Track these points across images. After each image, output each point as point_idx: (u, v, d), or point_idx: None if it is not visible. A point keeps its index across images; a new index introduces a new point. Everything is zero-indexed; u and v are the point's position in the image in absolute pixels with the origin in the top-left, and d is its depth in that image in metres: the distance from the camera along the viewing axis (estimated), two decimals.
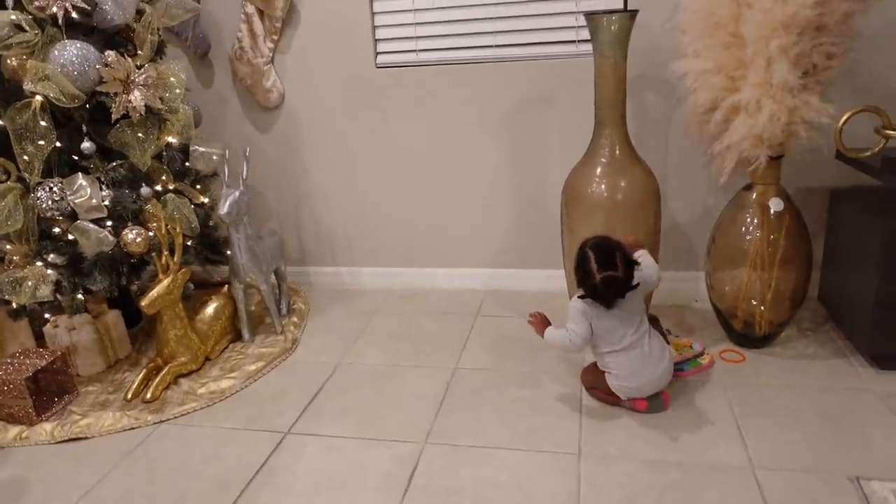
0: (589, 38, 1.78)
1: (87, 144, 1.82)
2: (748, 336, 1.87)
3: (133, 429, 1.71)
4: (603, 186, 1.81)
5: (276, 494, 1.42)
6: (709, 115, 1.74)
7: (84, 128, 1.83)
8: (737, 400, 1.63)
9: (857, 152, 1.72)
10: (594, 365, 1.68)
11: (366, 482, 1.44)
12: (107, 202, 1.82)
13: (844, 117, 1.65)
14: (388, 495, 1.38)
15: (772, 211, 1.76)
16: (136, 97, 1.82)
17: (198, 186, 2.17)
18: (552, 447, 1.51)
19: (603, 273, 1.51)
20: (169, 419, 1.74)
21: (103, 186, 1.84)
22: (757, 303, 1.81)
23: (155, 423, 1.73)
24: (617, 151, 1.81)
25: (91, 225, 1.80)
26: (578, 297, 1.59)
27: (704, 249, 1.95)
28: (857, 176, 1.86)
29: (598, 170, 1.82)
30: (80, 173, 1.80)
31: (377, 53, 2.28)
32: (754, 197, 1.79)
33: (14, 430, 1.70)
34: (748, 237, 1.78)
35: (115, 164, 1.88)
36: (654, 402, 1.61)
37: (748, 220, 1.79)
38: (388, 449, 1.54)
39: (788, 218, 1.76)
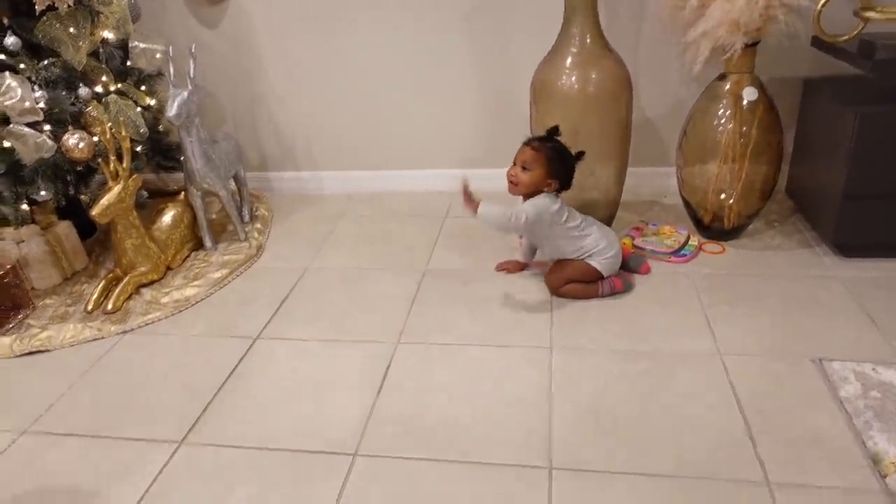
0: None
1: (11, 39, 1.65)
2: (717, 229, 1.88)
3: (96, 340, 1.66)
4: (573, 78, 1.73)
5: (249, 398, 1.41)
6: (684, 0, 1.65)
7: (5, 21, 1.65)
8: (705, 291, 1.65)
9: (834, 37, 1.67)
10: (557, 265, 1.68)
11: (339, 383, 1.43)
12: (41, 104, 1.68)
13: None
14: (363, 394, 1.38)
15: (745, 101, 1.71)
16: None
17: (142, 87, 2.03)
18: (524, 342, 1.51)
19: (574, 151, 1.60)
20: (133, 329, 1.70)
21: (36, 87, 1.69)
22: (726, 196, 1.81)
23: (119, 334, 1.68)
24: (588, 40, 1.72)
25: (27, 129, 1.66)
26: (541, 195, 1.59)
27: (675, 144, 1.91)
28: (832, 65, 1.81)
29: (568, 61, 1.73)
30: (7, 72, 1.64)
31: None
32: (728, 87, 1.74)
33: None
34: (720, 129, 1.75)
35: (46, 62, 1.72)
36: (626, 281, 1.68)
37: (721, 111, 1.75)
38: (360, 350, 1.54)
39: (761, 109, 1.72)
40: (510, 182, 1.60)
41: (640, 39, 2.05)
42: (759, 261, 1.77)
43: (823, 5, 1.61)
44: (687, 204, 1.93)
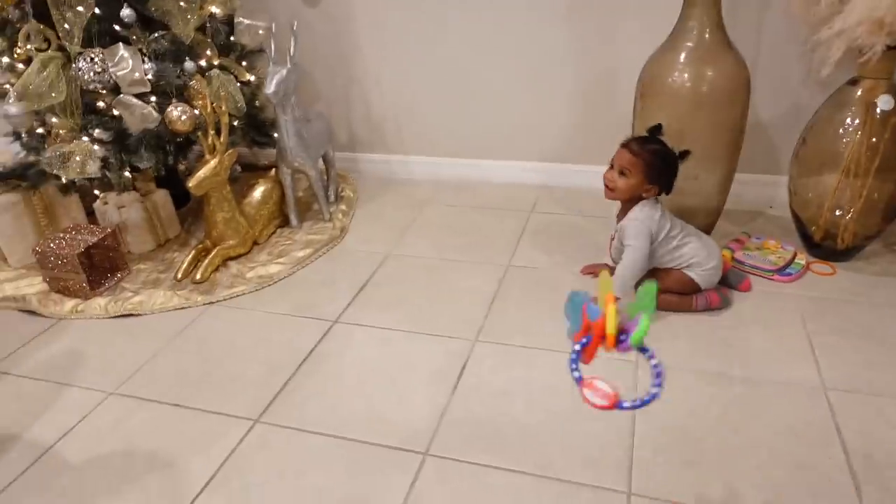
0: None
1: (127, 12, 1.70)
2: (828, 248, 1.72)
3: (183, 308, 1.72)
4: (686, 75, 1.62)
5: (326, 381, 1.41)
6: None
7: None
8: (810, 315, 1.52)
9: None
10: (651, 274, 1.58)
11: (415, 376, 1.41)
12: (150, 76, 1.73)
13: None
14: (438, 390, 1.36)
15: (878, 110, 1.55)
16: None
17: (243, 63, 2.06)
18: (607, 353, 1.44)
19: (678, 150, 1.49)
20: (218, 301, 1.74)
21: (146, 59, 1.74)
22: (843, 213, 1.65)
23: (205, 304, 1.73)
24: (707, 35, 1.60)
25: (135, 100, 1.72)
26: (641, 206, 1.50)
27: (788, 150, 1.77)
28: None
29: (683, 56, 1.62)
30: (121, 44, 1.70)
31: None
32: (860, 93, 1.58)
33: (70, 303, 1.73)
34: (845, 139, 1.59)
35: (157, 34, 1.77)
36: (724, 297, 1.57)
37: (848, 119, 1.59)
38: (437, 344, 1.51)
39: None
40: (606, 187, 1.51)
41: (762, 34, 1.89)
42: (875, 287, 1.61)
43: None
44: (796, 218, 1.78)
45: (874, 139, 1.56)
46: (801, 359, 1.39)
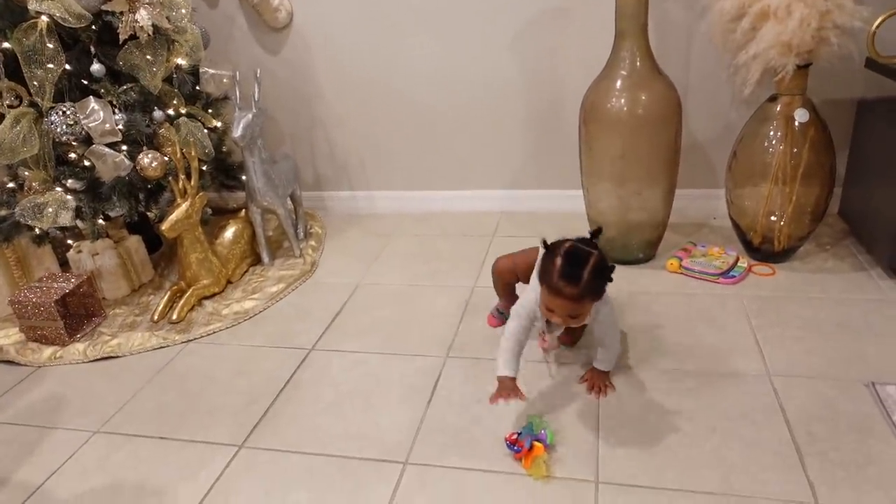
0: None
1: (96, 67, 1.79)
2: (767, 251, 1.87)
3: (162, 348, 1.76)
4: (623, 101, 1.76)
5: (305, 406, 1.47)
6: (735, 23, 1.67)
7: (92, 50, 1.79)
8: (754, 312, 1.65)
9: (889, 58, 1.66)
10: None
11: (390, 394, 1.48)
12: (120, 126, 1.81)
13: (878, 20, 1.58)
14: (413, 405, 1.43)
15: (796, 122, 1.71)
16: (143, 16, 1.77)
17: (209, 110, 2.15)
18: (570, 360, 1.54)
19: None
20: (196, 338, 1.79)
21: (116, 110, 1.82)
22: (777, 218, 1.80)
23: (183, 343, 1.78)
24: (638, 64, 1.75)
25: (107, 149, 1.79)
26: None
27: (723, 165, 1.92)
28: (887, 86, 1.79)
29: (618, 83, 1.77)
30: (91, 97, 1.78)
31: None
32: (779, 108, 1.74)
33: (48, 351, 1.76)
34: (771, 150, 1.75)
35: (125, 87, 1.85)
36: None
37: (771, 132, 1.75)
38: (410, 363, 1.58)
39: (813, 130, 1.72)
40: (563, 339, 1.51)
41: (691, 62, 2.07)
42: (811, 283, 1.75)
43: (878, 26, 1.60)
44: (736, 226, 1.93)
45: (795, 149, 1.72)
46: (748, 351, 1.50)
